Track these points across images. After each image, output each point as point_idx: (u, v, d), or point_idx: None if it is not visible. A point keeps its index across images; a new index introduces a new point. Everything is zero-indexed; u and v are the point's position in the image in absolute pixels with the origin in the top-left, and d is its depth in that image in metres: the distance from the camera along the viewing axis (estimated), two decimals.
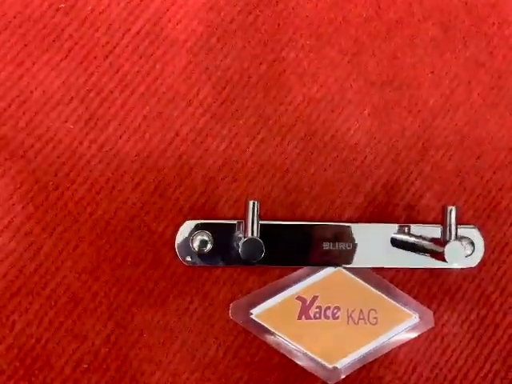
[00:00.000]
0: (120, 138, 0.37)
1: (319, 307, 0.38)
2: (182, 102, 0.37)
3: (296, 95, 0.39)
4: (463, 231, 0.40)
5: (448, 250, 0.35)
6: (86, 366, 0.35)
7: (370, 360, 0.38)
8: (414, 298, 0.39)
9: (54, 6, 0.36)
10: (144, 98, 0.37)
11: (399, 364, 0.39)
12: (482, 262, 0.40)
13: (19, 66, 0.36)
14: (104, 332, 0.35)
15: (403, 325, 0.39)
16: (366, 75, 0.39)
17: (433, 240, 0.37)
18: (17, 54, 0.36)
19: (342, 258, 0.38)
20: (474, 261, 0.40)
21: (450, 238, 0.35)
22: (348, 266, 0.38)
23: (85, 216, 0.36)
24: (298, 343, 0.37)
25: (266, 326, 0.37)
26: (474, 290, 0.40)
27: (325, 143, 0.39)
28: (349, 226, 0.38)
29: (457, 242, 0.35)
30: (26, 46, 0.36)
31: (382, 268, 0.39)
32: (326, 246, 0.38)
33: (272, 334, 0.37)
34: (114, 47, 0.37)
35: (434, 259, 0.36)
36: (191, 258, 0.37)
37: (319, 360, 0.38)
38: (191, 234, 0.37)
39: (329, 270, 0.38)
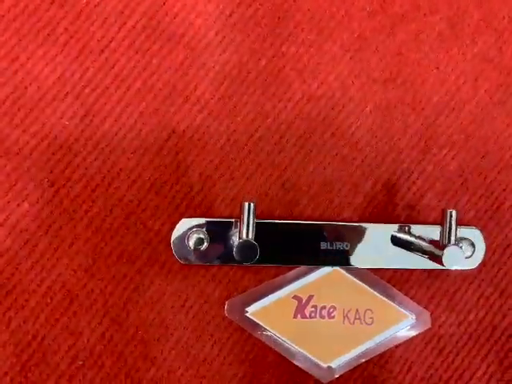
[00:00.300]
0: (116, 134, 0.36)
1: (315, 306, 0.38)
2: (178, 99, 0.37)
3: (296, 92, 0.38)
4: (464, 232, 0.39)
5: (446, 254, 0.34)
6: (81, 362, 0.35)
7: (365, 359, 0.38)
8: (412, 298, 0.39)
9: None
10: (140, 93, 0.37)
11: (394, 363, 0.39)
12: (483, 264, 0.39)
13: (14, 61, 0.35)
14: (99, 329, 0.35)
15: (399, 325, 0.39)
16: (369, 72, 0.38)
17: (432, 242, 0.36)
18: (11, 49, 0.35)
19: (339, 258, 0.38)
20: (474, 262, 0.39)
21: (449, 242, 0.35)
22: (345, 266, 0.38)
23: (80, 213, 0.36)
24: (293, 342, 0.38)
25: (261, 324, 0.37)
26: (473, 291, 0.40)
27: (324, 141, 0.38)
28: (346, 226, 0.38)
29: (455, 247, 0.34)
30: (20, 40, 0.35)
31: (380, 268, 0.38)
32: (324, 245, 0.38)
33: (267, 332, 0.37)
34: (110, 41, 0.36)
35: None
36: (187, 255, 0.37)
37: (313, 359, 0.38)
38: (187, 231, 0.37)
39: (326, 270, 0.38)
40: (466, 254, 0.39)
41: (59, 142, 0.36)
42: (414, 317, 0.39)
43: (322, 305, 0.38)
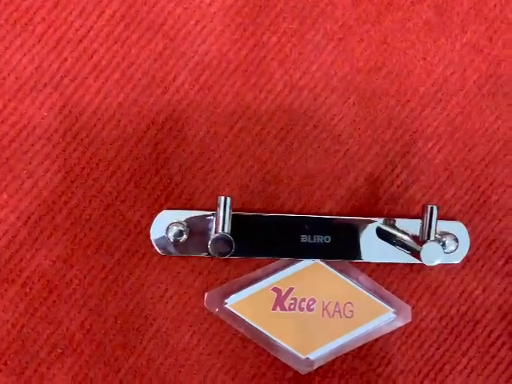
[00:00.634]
0: (95, 125, 0.36)
1: (294, 299, 0.38)
2: (157, 89, 0.36)
3: (277, 82, 0.37)
4: (448, 226, 0.38)
5: (424, 250, 0.34)
6: (60, 350, 0.36)
7: (344, 352, 0.38)
8: (393, 292, 0.39)
9: None
10: (119, 84, 0.36)
11: (374, 356, 0.39)
12: (467, 258, 0.39)
13: None
14: (78, 318, 0.36)
15: (379, 319, 0.38)
16: (353, 61, 0.37)
17: (414, 238, 0.36)
18: None
19: (319, 251, 0.38)
20: (457, 257, 0.39)
21: (429, 238, 0.34)
22: (326, 259, 0.38)
23: (59, 204, 0.36)
24: (272, 333, 0.38)
25: (240, 315, 0.37)
26: (456, 285, 0.39)
27: (306, 133, 0.38)
28: (327, 219, 0.38)
29: (434, 243, 0.34)
30: None
31: (362, 261, 0.38)
32: (304, 238, 0.38)
33: (246, 323, 0.38)
34: (88, 31, 0.36)
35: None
36: (167, 247, 0.37)
37: (292, 351, 0.38)
38: (167, 223, 0.37)
39: (306, 263, 0.38)
40: (449, 248, 0.38)
41: (38, 133, 0.36)
42: (394, 311, 0.38)
43: (301, 297, 0.38)
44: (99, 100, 0.36)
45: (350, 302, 0.38)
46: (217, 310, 0.37)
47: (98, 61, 0.36)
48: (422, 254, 0.34)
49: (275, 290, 0.38)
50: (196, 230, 0.37)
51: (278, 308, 0.38)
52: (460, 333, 0.39)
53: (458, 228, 0.38)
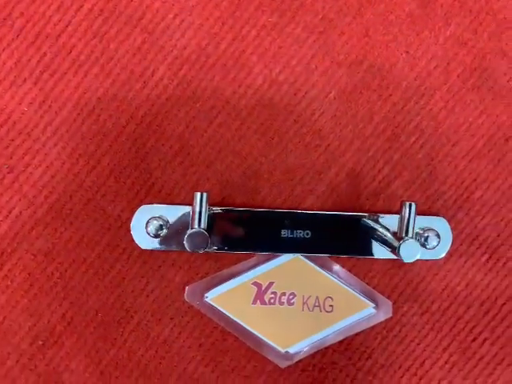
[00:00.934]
0: (74, 120, 0.36)
1: (274, 293, 0.38)
2: (136, 84, 0.36)
3: (257, 77, 0.37)
4: (431, 222, 0.38)
5: (402, 247, 0.34)
6: (41, 342, 0.36)
7: (324, 346, 0.38)
8: (374, 287, 0.39)
9: None
10: (98, 79, 0.36)
11: (354, 350, 0.39)
12: (449, 254, 0.38)
13: None
14: (59, 310, 0.37)
15: (359, 314, 0.38)
16: (333, 55, 0.37)
17: (394, 234, 0.36)
18: None
19: (300, 245, 0.38)
20: (439, 253, 0.38)
21: (407, 234, 0.34)
22: (306, 253, 0.38)
23: (40, 199, 0.36)
24: (252, 327, 0.38)
25: (220, 309, 0.38)
26: (438, 281, 0.39)
27: (286, 128, 0.37)
28: (307, 214, 0.38)
29: (412, 241, 0.34)
30: None
31: (342, 256, 0.38)
32: (284, 233, 0.38)
33: (226, 317, 0.38)
34: (67, 26, 0.36)
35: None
36: (147, 241, 0.37)
37: (271, 344, 0.38)
38: (147, 218, 0.37)
39: (286, 257, 0.38)
40: (431, 244, 0.38)
41: (18, 128, 0.36)
42: (374, 306, 0.38)
43: (281, 291, 0.38)
44: (78, 95, 0.36)
45: (330, 297, 0.38)
46: (197, 303, 0.38)
47: (77, 56, 0.36)
48: (400, 251, 0.34)
49: (255, 284, 0.38)
50: (176, 225, 0.37)
51: (259, 302, 0.38)
52: (441, 328, 0.39)
53: (440, 224, 0.38)
